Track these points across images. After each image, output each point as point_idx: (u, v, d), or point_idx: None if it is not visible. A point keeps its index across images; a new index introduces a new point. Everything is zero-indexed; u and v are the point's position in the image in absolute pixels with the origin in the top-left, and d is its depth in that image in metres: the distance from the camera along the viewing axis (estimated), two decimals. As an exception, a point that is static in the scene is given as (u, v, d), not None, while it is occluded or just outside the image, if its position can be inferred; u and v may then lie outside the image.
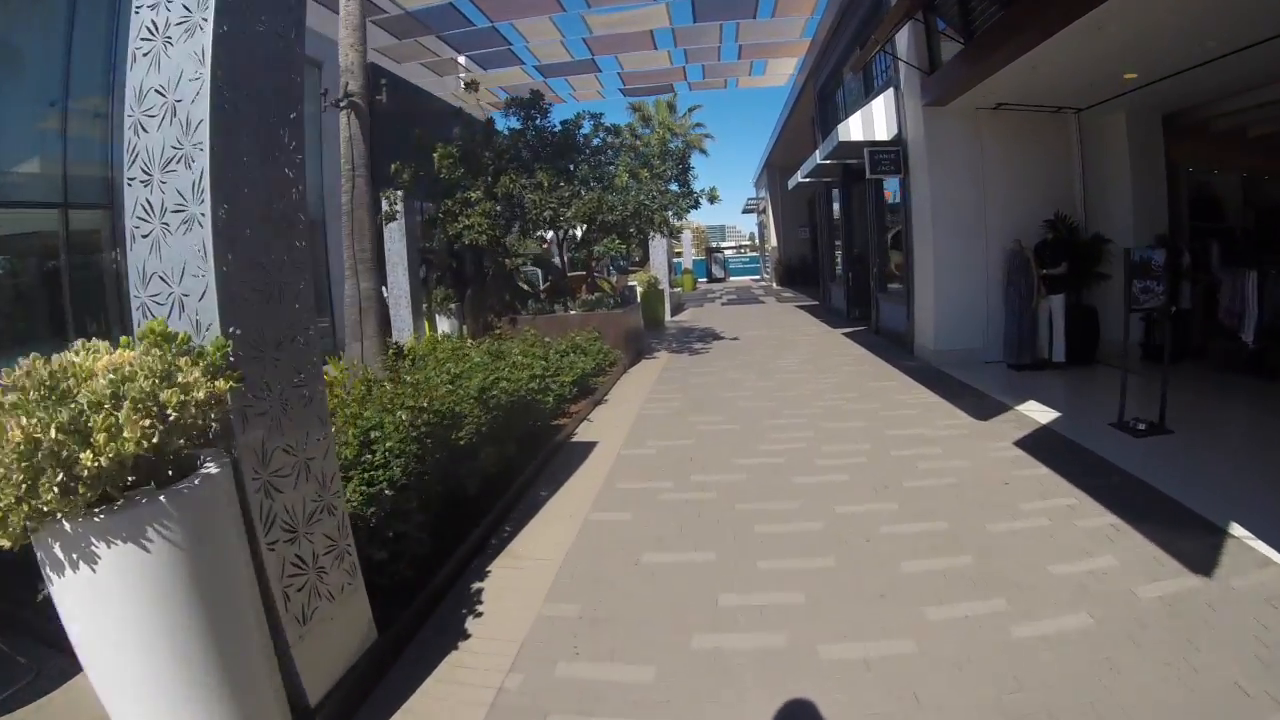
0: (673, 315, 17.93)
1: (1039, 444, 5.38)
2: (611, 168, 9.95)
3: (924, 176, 9.00)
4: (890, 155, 9.70)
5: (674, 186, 10.20)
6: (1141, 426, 5.59)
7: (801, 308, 18.18)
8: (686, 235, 40.85)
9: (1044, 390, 7.38)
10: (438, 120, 15.84)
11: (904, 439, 5.68)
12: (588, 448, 5.95)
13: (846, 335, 12.04)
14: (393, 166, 10.52)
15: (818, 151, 11.68)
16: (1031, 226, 8.72)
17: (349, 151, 7.22)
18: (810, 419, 6.44)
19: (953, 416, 6.33)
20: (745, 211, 41.08)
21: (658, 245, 17.18)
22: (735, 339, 12.44)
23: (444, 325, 13.64)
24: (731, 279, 40.32)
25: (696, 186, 10.22)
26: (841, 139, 9.82)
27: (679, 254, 39.60)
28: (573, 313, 10.16)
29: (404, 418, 4.11)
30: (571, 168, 10.03)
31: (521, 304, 10.86)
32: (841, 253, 14.24)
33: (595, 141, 10.46)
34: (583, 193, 9.40)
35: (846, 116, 11.15)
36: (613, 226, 9.45)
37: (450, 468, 4.29)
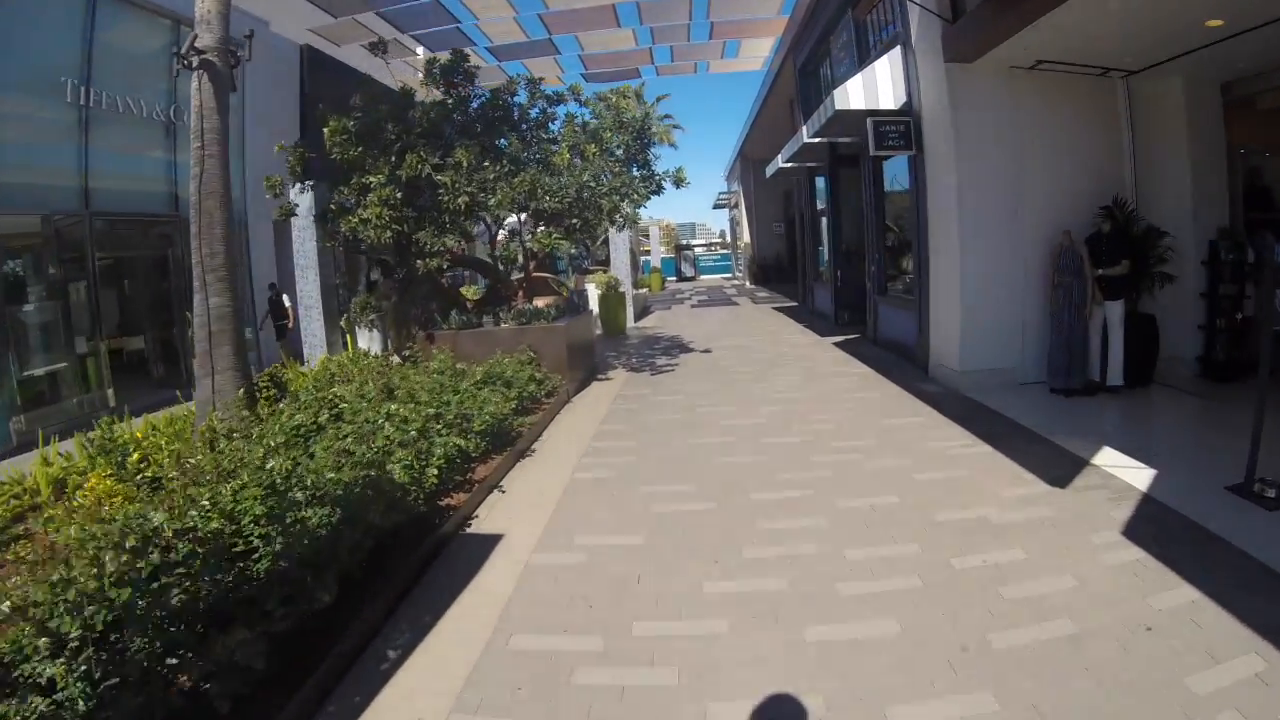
0: (637, 320, 15.93)
1: (1156, 532, 3.56)
2: (554, 145, 7.91)
3: (945, 153, 7.12)
4: (899, 128, 7.81)
5: (634, 171, 8.19)
6: (1271, 494, 3.80)
7: (780, 310, 16.31)
8: (654, 232, 38.93)
9: (1113, 429, 5.59)
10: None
11: (962, 528, 3.74)
12: (484, 549, 3.91)
13: (839, 346, 10.15)
14: (277, 146, 8.37)
15: (805, 128, 9.78)
16: (1076, 215, 6.92)
17: (199, 124, 5.21)
18: (818, 489, 4.47)
19: (1017, 480, 4.42)
20: (716, 207, 39.30)
21: (619, 242, 15.17)
22: (707, 351, 10.47)
23: (365, 341, 11.60)
24: (702, 278, 38.50)
25: (661, 168, 8.26)
26: (839, 107, 7.89)
27: (646, 252, 37.71)
28: (504, 326, 8.10)
29: (109, 560, 2.15)
30: (502, 144, 7.96)
31: (446, 316, 8.79)
32: (828, 249, 12.41)
33: (534, 113, 8.39)
34: (514, 175, 7.33)
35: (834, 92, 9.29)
36: (552, 216, 7.39)
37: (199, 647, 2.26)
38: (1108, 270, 6.62)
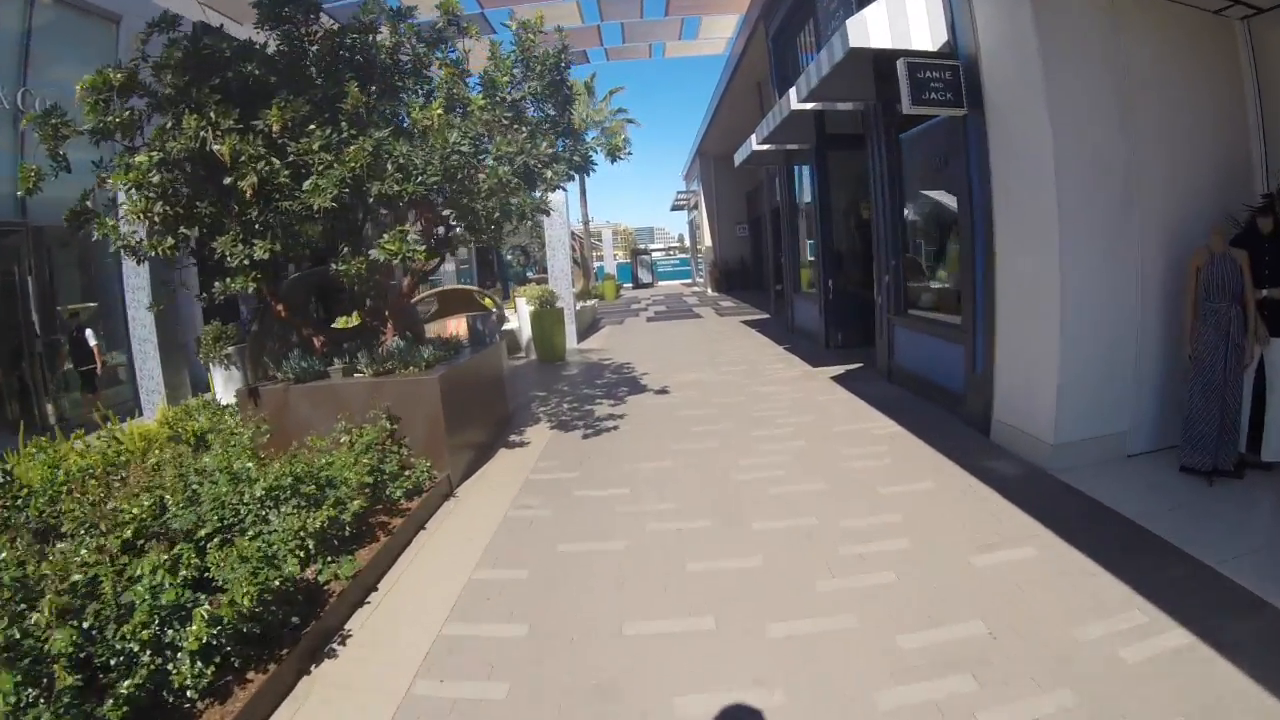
0: (582, 340, 13.23)
1: None
2: (420, 96, 5.15)
3: (1028, 113, 4.64)
4: (944, 76, 5.31)
5: (545, 137, 5.42)
6: None
7: (751, 325, 13.78)
8: (608, 236, 36.29)
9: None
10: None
11: None
12: None
13: (839, 382, 7.61)
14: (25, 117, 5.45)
15: (793, 91, 7.22)
16: (1198, 203, 4.60)
17: None
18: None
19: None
20: (675, 209, 36.80)
21: (558, 246, 12.45)
22: (664, 392, 7.82)
23: (222, 383, 8.82)
24: (661, 284, 36.10)
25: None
26: (854, 44, 5.32)
27: (599, 257, 35.04)
28: (359, 378, 5.32)
29: None
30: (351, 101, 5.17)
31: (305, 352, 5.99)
32: (817, 253, 9.94)
33: (404, 59, 5.61)
34: (351, 141, 4.56)
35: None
36: (413, 203, 4.60)
37: None
38: (1274, 291, 4.25)
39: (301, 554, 3.43)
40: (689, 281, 35.31)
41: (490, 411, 6.34)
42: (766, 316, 15.51)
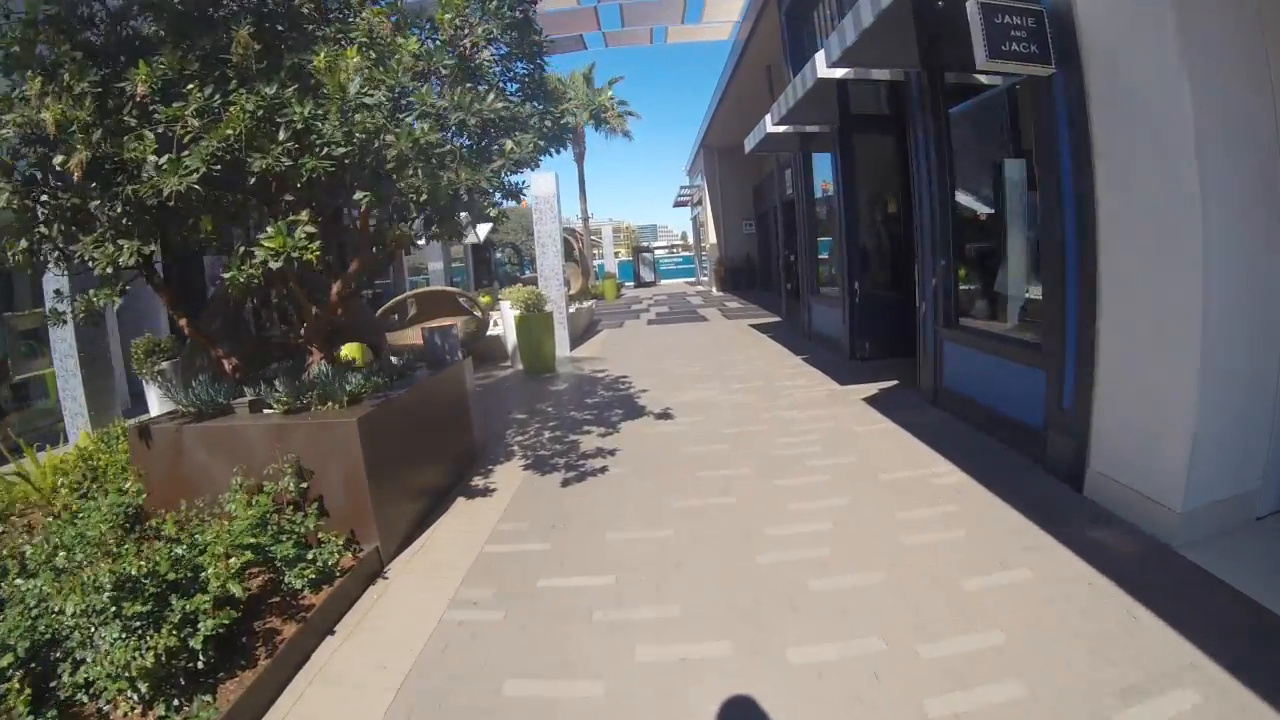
0: (575, 347, 11.99)
1: None
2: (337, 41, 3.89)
3: (1157, 60, 3.39)
4: (1026, 23, 4.06)
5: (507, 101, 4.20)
6: None
7: (761, 330, 12.52)
8: (608, 233, 35.03)
9: None
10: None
11: None
12: None
13: (875, 406, 6.36)
14: None
15: (825, 50, 5.98)
16: None
17: None
18: None
19: None
20: (677, 205, 35.54)
21: (548, 243, 11.20)
22: (665, 416, 6.57)
23: (156, 403, 7.80)
24: (663, 282, 34.87)
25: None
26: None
27: (599, 255, 33.81)
28: (270, 414, 4.10)
29: None
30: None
31: (252, 367, 4.79)
32: (840, 251, 8.66)
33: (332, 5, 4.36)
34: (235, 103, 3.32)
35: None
36: (307, 184, 3.34)
37: None
38: None
39: (132, 699, 2.24)
40: (693, 280, 34.07)
41: (445, 450, 5.10)
42: (777, 320, 14.25)
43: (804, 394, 7.02)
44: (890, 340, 8.52)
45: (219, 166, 3.17)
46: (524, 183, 4.92)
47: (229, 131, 3.20)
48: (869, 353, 8.52)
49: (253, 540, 3.31)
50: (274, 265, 3.11)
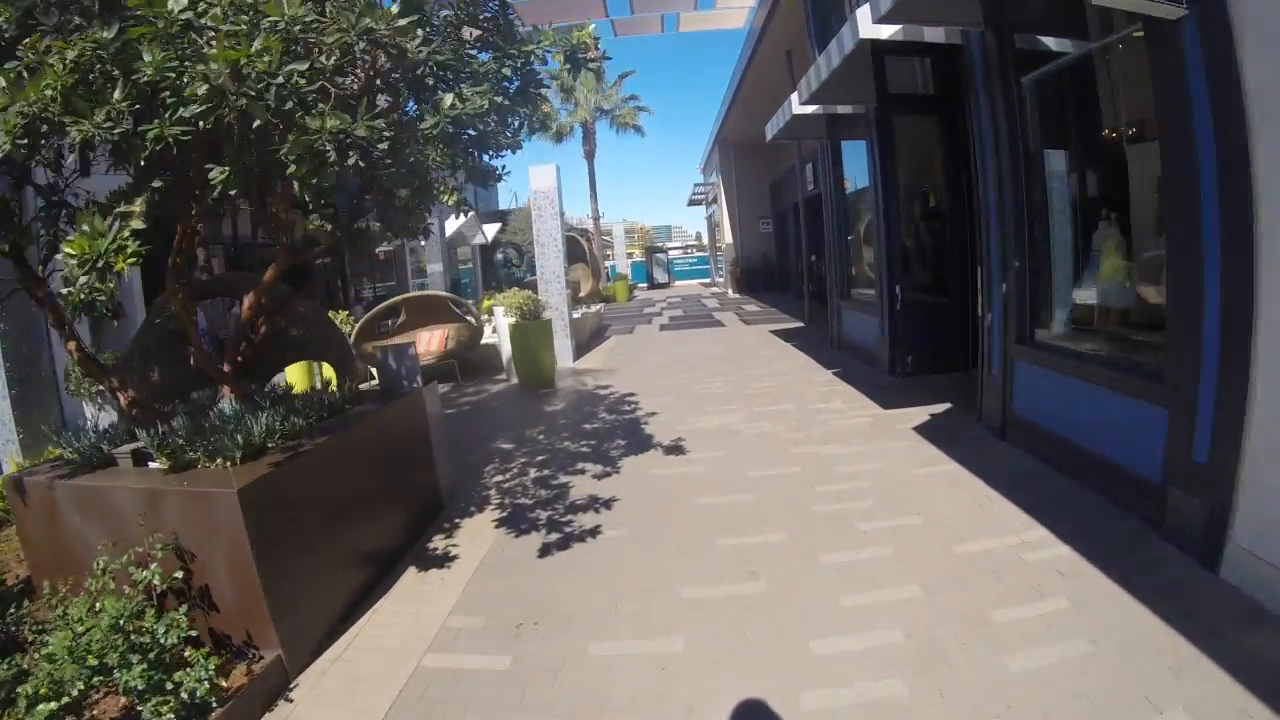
0: (581, 355, 10.94)
1: None
2: None
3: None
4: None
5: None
6: None
7: (785, 338, 11.40)
8: (619, 232, 33.99)
9: None
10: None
11: None
12: None
13: (933, 439, 5.24)
14: None
15: (870, 3, 4.90)
16: None
17: None
18: None
19: None
20: (692, 203, 34.43)
21: (548, 241, 10.16)
22: (676, 450, 5.48)
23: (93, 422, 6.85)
24: (678, 283, 33.77)
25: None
26: None
27: (610, 256, 32.79)
28: (154, 468, 3.08)
29: None
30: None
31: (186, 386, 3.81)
32: (879, 250, 7.48)
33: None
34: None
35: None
36: (152, 160, 2.32)
37: None
38: None
39: None
40: (707, 281, 32.95)
41: (395, 503, 4.05)
42: (799, 325, 13.12)
43: (841, 421, 5.91)
44: (936, 354, 7.41)
45: (23, 144, 2.14)
46: (502, 167, 3.89)
47: (44, 92, 2.17)
48: (911, 368, 7.40)
49: (93, 663, 2.31)
50: (81, 278, 2.06)
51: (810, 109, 7.49)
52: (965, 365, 7.44)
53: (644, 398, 7.41)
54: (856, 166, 9.12)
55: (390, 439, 4.08)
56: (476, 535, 4.12)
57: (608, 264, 31.11)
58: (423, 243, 19.31)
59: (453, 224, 23.15)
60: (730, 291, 24.32)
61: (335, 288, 17.64)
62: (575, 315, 12.38)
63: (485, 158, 3.80)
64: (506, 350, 9.25)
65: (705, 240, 39.16)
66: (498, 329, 9.57)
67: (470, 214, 25.50)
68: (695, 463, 5.04)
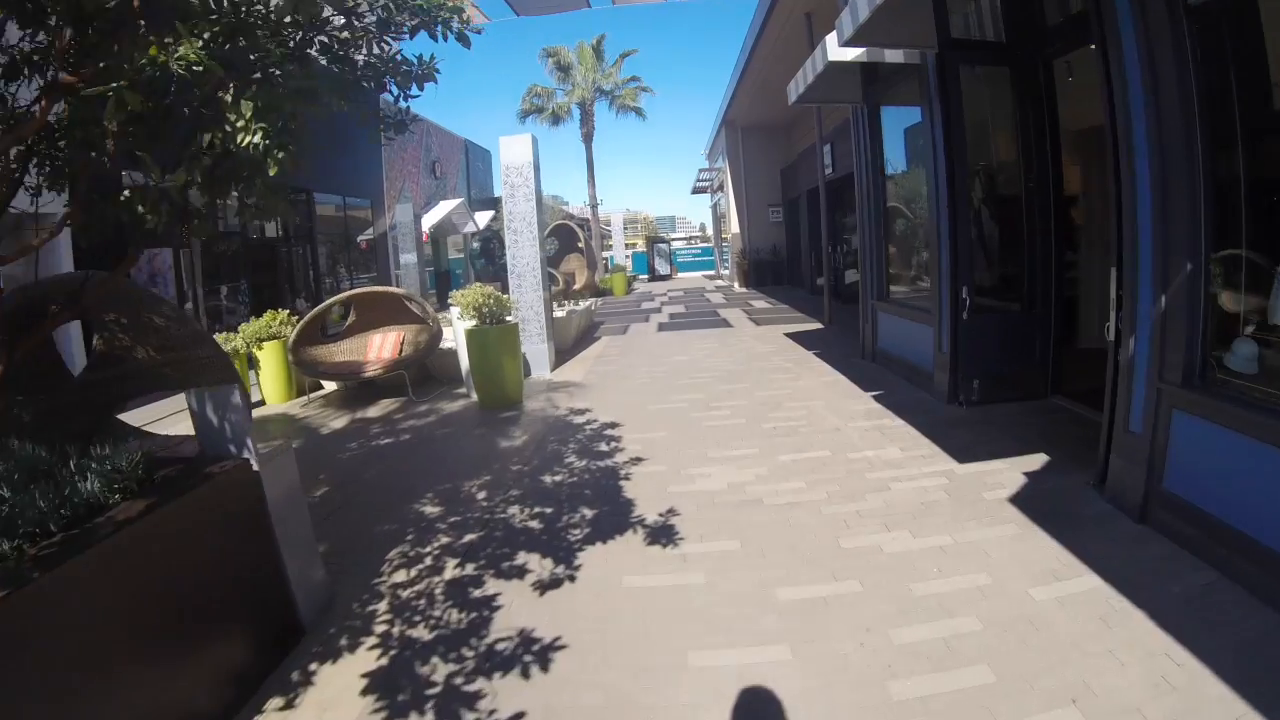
0: (561, 364, 9.23)
1: None
2: None
3: None
4: None
5: None
6: None
7: (802, 341, 9.66)
8: (617, 221, 32.21)
9: None
10: None
11: None
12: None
13: (1039, 520, 3.52)
14: None
15: None
16: None
17: None
18: None
19: None
20: (696, 191, 32.62)
21: (520, 226, 8.42)
22: (666, 536, 3.74)
23: None
24: (680, 274, 32.06)
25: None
26: None
27: (608, 246, 31.05)
28: None
29: None
30: None
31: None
32: (939, 243, 5.68)
33: None
34: None
35: None
36: None
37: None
38: None
39: None
40: (711, 273, 31.21)
41: (196, 658, 2.34)
42: (818, 326, 11.40)
43: (905, 483, 4.18)
44: (1008, 377, 5.71)
45: None
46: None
47: None
48: (978, 395, 5.69)
49: None
50: None
51: (851, 54, 5.74)
52: (1041, 392, 5.76)
53: (630, 431, 5.70)
54: (900, 139, 7.37)
55: (192, 546, 2.39)
56: (329, 709, 2.43)
57: (605, 254, 29.37)
58: (391, 226, 17.59)
59: (439, 211, 21.40)
60: (736, 285, 22.57)
61: (307, 278, 15.98)
62: (559, 313, 10.67)
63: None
64: (465, 365, 7.55)
65: (709, 231, 37.39)
66: (456, 333, 7.88)
67: (460, 201, 23.74)
68: (692, 567, 3.32)
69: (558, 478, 4.72)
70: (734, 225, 23.17)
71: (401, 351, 8.85)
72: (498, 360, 6.92)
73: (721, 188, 25.59)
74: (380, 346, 9.00)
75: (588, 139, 26.48)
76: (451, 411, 7.15)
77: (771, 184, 22.09)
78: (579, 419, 6.27)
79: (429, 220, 20.85)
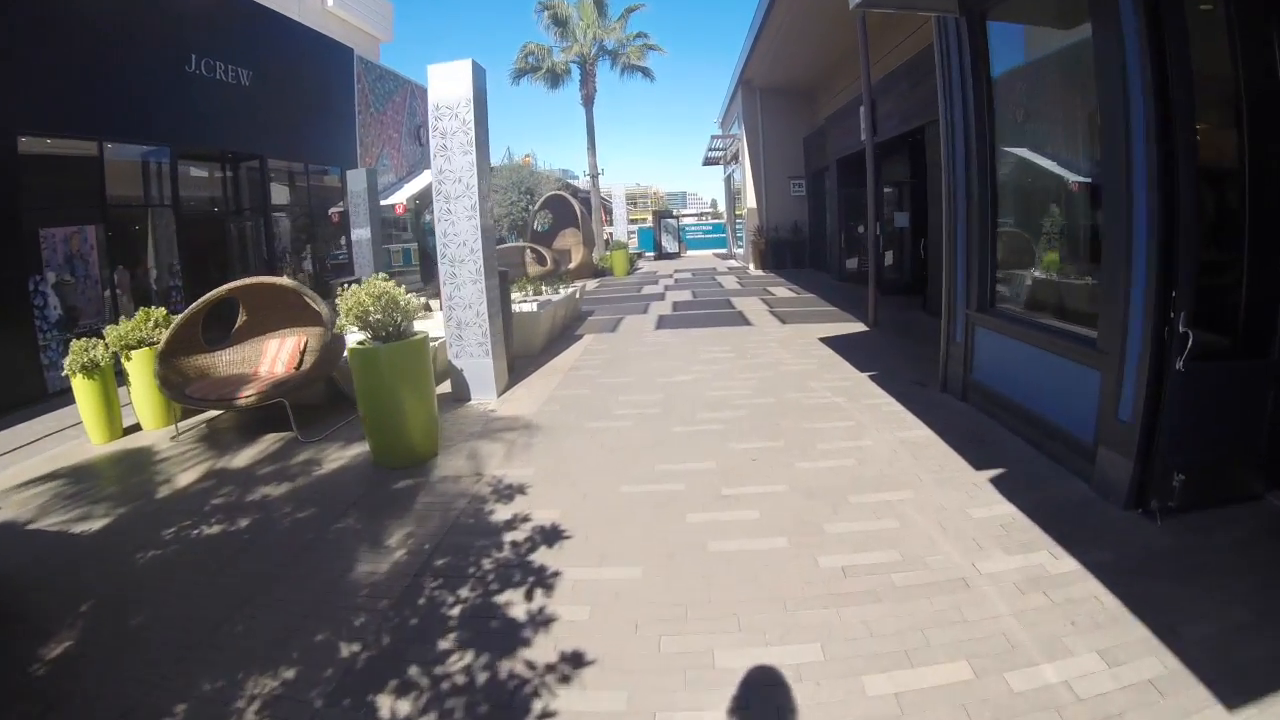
0: (512, 385, 6.75)
1: None
2: None
3: None
4: None
5: None
6: None
7: (845, 351, 7.11)
8: (618, 192, 29.46)
9: None
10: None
11: None
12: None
13: None
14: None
15: None
16: None
17: None
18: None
19: None
20: (708, 163, 29.82)
21: (451, 186, 5.88)
22: None
23: None
24: (689, 252, 29.50)
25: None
26: None
27: (608, 221, 28.40)
28: None
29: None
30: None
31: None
32: (1135, 225, 3.28)
33: None
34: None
35: None
36: None
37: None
38: None
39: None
40: (723, 252, 28.60)
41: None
42: (860, 328, 8.87)
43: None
44: (1220, 463, 3.21)
45: None
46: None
47: None
48: (1178, 497, 3.20)
49: None
50: None
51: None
52: (1257, 487, 3.29)
53: (579, 559, 3.23)
54: (1019, 67, 4.80)
55: None
56: None
57: (606, 230, 26.75)
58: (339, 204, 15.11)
59: (420, 181, 18.83)
60: (752, 267, 19.96)
61: (263, 256, 13.51)
62: (527, 307, 8.19)
63: None
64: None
65: (723, 206, 34.61)
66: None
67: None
68: None
69: (408, 704, 2.27)
70: (750, 200, 20.49)
71: (301, 362, 6.47)
72: (393, 396, 4.46)
73: (736, 158, 22.86)
74: (276, 356, 6.60)
75: (588, 102, 23.69)
76: (333, 469, 4.72)
77: (794, 153, 19.37)
78: (502, 512, 3.80)
79: (408, 191, 18.31)
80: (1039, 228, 4.78)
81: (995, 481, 3.78)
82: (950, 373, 5.48)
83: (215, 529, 3.83)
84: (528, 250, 18.11)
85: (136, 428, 6.16)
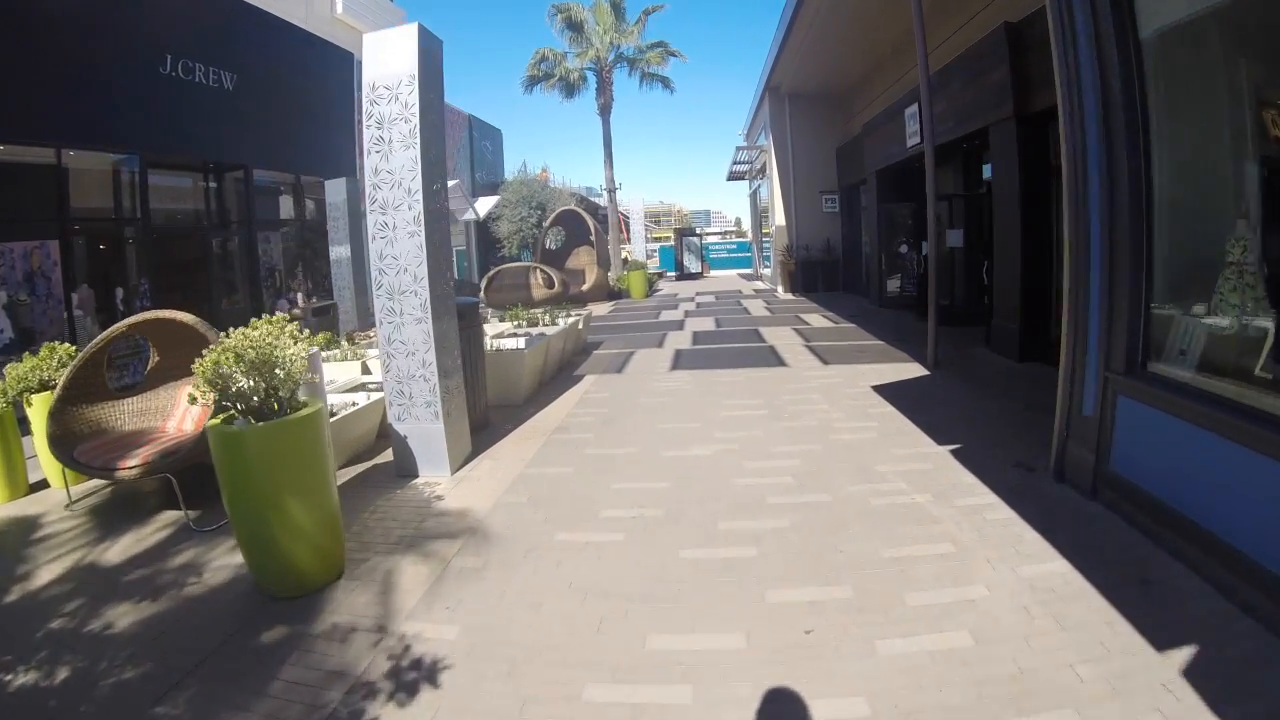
0: (473, 458, 5.26)
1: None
2: None
3: None
4: None
5: None
6: None
7: (908, 407, 5.51)
8: (637, 208, 28.14)
9: None
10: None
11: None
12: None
13: None
14: None
15: None
16: None
17: None
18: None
19: None
20: (732, 177, 28.44)
21: (395, 196, 4.47)
22: None
23: None
24: (713, 272, 28.08)
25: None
26: None
27: (627, 238, 27.10)
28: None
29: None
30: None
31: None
32: None
33: None
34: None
35: None
36: None
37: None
38: None
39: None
40: (749, 272, 27.12)
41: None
42: (919, 371, 7.30)
43: None
44: None
45: None
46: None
47: None
48: None
49: None
50: None
51: None
52: None
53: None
54: (1178, 26, 3.28)
55: None
56: None
57: (625, 248, 25.40)
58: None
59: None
60: (780, 290, 18.43)
61: (249, 275, 12.36)
62: (514, 344, 6.77)
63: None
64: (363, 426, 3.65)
65: (747, 225, 33.18)
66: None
67: (455, 183, 19.95)
68: None
69: None
70: (778, 217, 18.98)
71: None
72: (269, 500, 3.02)
73: (763, 172, 21.40)
74: (188, 409, 5.25)
75: (605, 111, 22.42)
76: (210, 584, 3.31)
77: (826, 166, 17.85)
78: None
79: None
80: (1222, 254, 3.23)
81: (1189, 675, 2.20)
82: (1072, 457, 3.90)
83: (28, 677, 2.49)
84: (536, 271, 16.77)
85: (44, 485, 5.08)
